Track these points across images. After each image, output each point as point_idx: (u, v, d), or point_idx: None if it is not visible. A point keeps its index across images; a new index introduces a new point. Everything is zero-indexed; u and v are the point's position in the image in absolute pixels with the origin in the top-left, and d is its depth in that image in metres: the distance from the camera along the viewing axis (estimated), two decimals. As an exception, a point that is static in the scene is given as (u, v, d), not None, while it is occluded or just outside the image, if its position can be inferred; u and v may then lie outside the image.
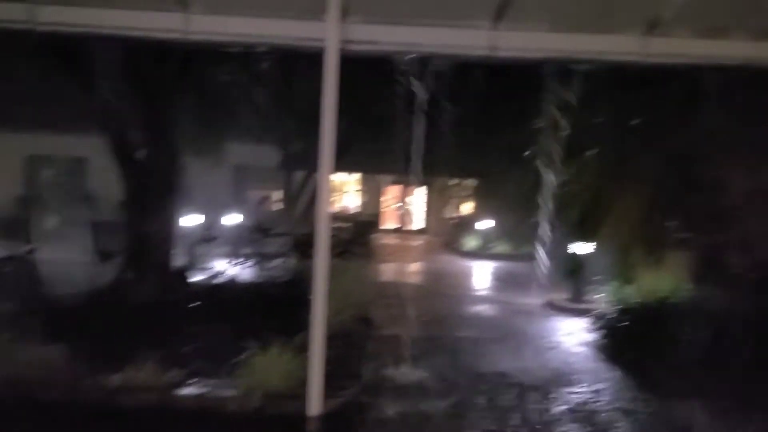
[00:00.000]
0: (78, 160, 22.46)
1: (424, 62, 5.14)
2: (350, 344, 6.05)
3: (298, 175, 19.56)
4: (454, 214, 24.46)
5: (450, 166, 15.11)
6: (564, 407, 4.98)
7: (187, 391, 4.62)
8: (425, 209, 26.23)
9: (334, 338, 5.59)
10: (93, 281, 6.69)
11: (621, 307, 6.87)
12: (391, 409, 4.60)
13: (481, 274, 13.97)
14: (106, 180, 20.39)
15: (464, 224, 20.58)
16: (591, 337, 7.23)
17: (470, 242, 18.13)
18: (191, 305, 7.05)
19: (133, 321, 5.96)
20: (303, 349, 4.76)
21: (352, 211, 25.53)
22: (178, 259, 7.91)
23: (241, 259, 9.79)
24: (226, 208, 15.29)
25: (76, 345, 4.90)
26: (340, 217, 19.98)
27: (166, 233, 7.32)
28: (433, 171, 16.36)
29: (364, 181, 26.14)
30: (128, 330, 5.65)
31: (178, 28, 4.58)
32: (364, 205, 26.62)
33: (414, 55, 4.77)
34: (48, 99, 16.27)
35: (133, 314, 6.14)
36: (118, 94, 8.54)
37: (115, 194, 19.64)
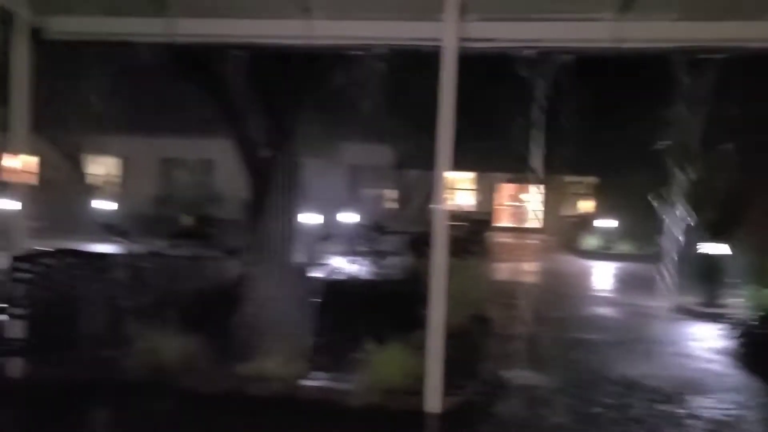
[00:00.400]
0: (206, 162, 23.96)
1: (543, 57, 5.03)
2: (467, 343, 6.02)
3: (413, 174, 19.74)
4: (573, 213, 23.63)
5: (569, 162, 14.66)
6: (699, 419, 4.68)
7: (310, 382, 4.80)
8: (542, 207, 25.56)
9: (451, 337, 5.59)
10: (222, 276, 7.10)
11: (762, 313, 6.36)
12: (510, 411, 4.54)
13: (603, 275, 13.42)
14: (231, 180, 21.59)
15: (583, 223, 19.87)
16: (727, 344, 6.75)
17: (590, 241, 17.48)
18: (311, 301, 7.32)
19: (259, 314, 6.29)
20: (421, 346, 4.80)
21: (466, 210, 25.36)
22: (299, 256, 8.24)
23: (358, 257, 10.03)
24: (343, 206, 15.70)
25: (209, 336, 5.21)
26: (455, 215, 19.91)
27: (288, 231, 7.63)
28: (551, 168, 15.96)
29: (479, 179, 25.87)
30: (255, 323, 5.98)
31: (300, 33, 4.76)
32: (479, 203, 26.38)
33: (533, 51, 4.67)
34: (180, 106, 17.45)
35: (259, 308, 6.48)
36: (243, 99, 9.01)
37: (240, 193, 20.68)
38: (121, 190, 23.67)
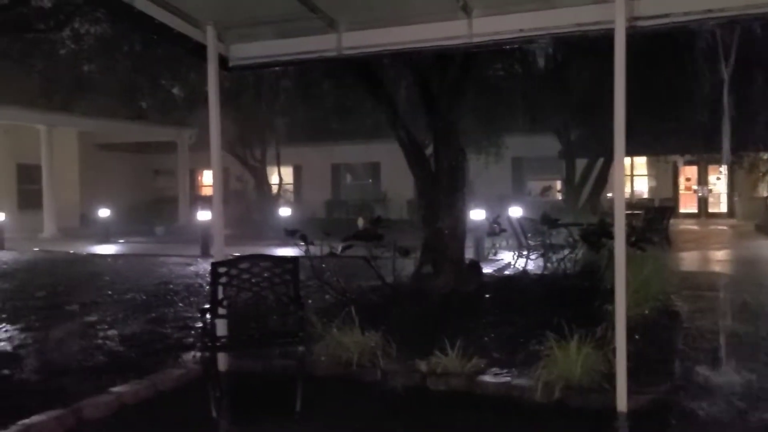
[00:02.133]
0: (373, 165, 24.85)
1: (724, 29, 4.61)
2: (653, 338, 5.70)
3: (580, 163, 18.95)
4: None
5: (763, 139, 13.24)
6: None
7: (488, 378, 4.83)
8: (731, 190, 23.30)
9: (634, 331, 5.33)
10: (396, 274, 7.35)
11: None
12: (706, 411, 4.22)
13: (809, 262, 11.94)
14: (397, 181, 22.25)
15: (780, 204, 17.84)
16: None
17: (790, 225, 15.63)
18: (485, 296, 7.35)
19: (435, 311, 6.45)
20: (603, 341, 4.63)
21: (645, 197, 23.79)
22: (470, 252, 8.31)
23: (528, 251, 9.87)
24: (509, 200, 15.53)
25: (388, 332, 5.42)
26: (632, 203, 18.78)
27: (457, 228, 7.72)
28: (739, 146, 14.50)
29: (657, 163, 24.11)
30: (431, 319, 6.14)
31: (461, 33, 4.81)
32: (657, 189, 24.63)
33: (713, 23, 4.29)
34: (348, 114, 18.29)
35: (434, 305, 6.64)
36: (406, 102, 9.27)
37: (407, 194, 21.21)
38: (297, 197, 25.35)
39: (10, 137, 21.33)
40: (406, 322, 5.92)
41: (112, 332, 6.84)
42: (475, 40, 4.80)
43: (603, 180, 18.45)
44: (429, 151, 8.36)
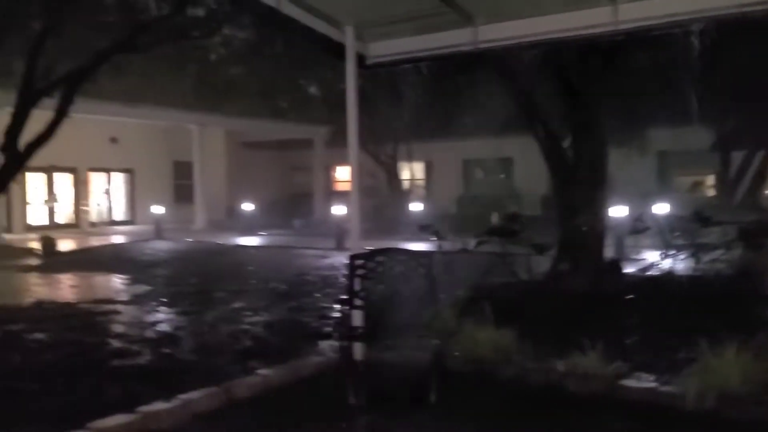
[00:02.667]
0: (506, 160, 24.41)
1: None
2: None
3: (735, 156, 17.46)
4: None
5: None
6: None
7: (632, 383, 4.59)
8: None
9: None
10: (531, 272, 7.19)
11: None
12: None
13: None
14: (531, 177, 21.70)
15: None
16: None
17: None
18: (627, 297, 6.98)
19: (572, 310, 6.23)
20: (763, 350, 4.25)
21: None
22: (610, 251, 7.93)
23: (675, 251, 9.23)
24: (654, 196, 14.63)
25: (522, 330, 5.32)
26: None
27: (597, 224, 7.40)
28: None
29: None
30: (567, 319, 5.94)
31: (606, 21, 4.59)
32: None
33: None
34: (479, 109, 18.09)
35: (571, 304, 6.41)
36: (542, 94, 9.00)
37: (541, 189, 20.63)
38: (428, 192, 25.50)
39: (168, 137, 23.31)
40: (542, 321, 5.78)
41: (256, 318, 7.28)
42: (622, 27, 4.56)
43: (763, 175, 16.88)
44: (566, 144, 8.07)
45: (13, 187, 14.40)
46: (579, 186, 7.34)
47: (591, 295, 6.70)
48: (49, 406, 4.31)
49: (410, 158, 23.01)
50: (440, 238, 6.96)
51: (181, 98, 17.50)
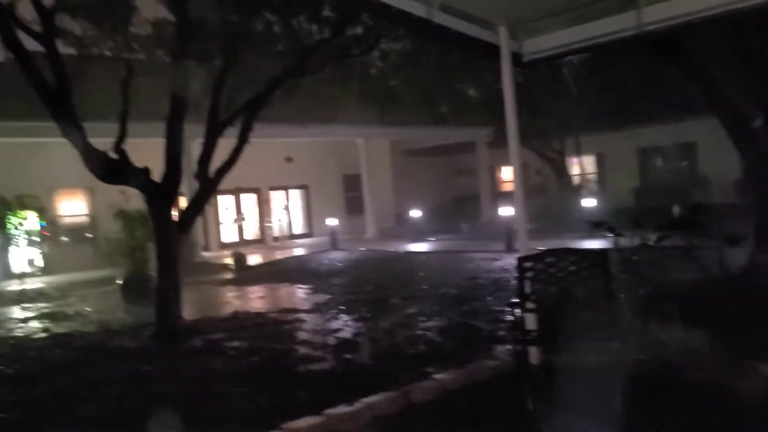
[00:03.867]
0: (687, 146, 22.51)
1: None
2: None
3: None
4: None
5: None
6: None
7: None
8: None
9: None
10: (724, 266, 6.56)
11: None
12: None
13: None
14: (717, 162, 19.79)
15: None
16: None
17: None
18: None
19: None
20: None
21: None
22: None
23: None
24: None
25: (716, 330, 4.89)
26: None
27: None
28: None
29: None
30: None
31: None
32: None
33: None
34: (652, 94, 16.91)
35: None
36: (726, 73, 8.20)
37: (729, 175, 18.75)
38: (600, 186, 24.25)
39: (336, 152, 24.56)
40: (738, 320, 5.25)
41: (430, 323, 7.41)
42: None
43: None
44: (757, 124, 7.26)
45: (208, 209, 16.00)
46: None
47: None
48: (246, 407, 4.74)
49: (579, 152, 22.06)
50: (616, 234, 6.59)
51: (347, 114, 18.36)
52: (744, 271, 6.68)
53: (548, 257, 4.98)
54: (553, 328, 5.16)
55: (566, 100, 19.68)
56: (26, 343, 8.09)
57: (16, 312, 11.13)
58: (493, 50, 5.59)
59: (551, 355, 5.49)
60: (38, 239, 15.15)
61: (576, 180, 22.91)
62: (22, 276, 13.12)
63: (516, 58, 5.75)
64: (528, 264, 5.02)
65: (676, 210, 8.44)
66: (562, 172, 22.34)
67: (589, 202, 18.52)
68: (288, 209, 24.00)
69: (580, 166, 22.55)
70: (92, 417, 4.78)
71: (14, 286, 14.31)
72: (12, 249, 13.84)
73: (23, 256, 14.24)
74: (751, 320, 5.25)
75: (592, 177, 24.49)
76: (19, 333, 8.95)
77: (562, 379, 5.14)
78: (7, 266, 17.09)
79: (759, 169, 6.93)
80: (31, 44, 7.47)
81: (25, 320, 10.10)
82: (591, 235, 12.91)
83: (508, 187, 26.62)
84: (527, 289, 4.99)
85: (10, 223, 12.30)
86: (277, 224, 22.86)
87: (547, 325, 5.19)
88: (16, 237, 12.50)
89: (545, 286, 5.00)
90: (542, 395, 4.76)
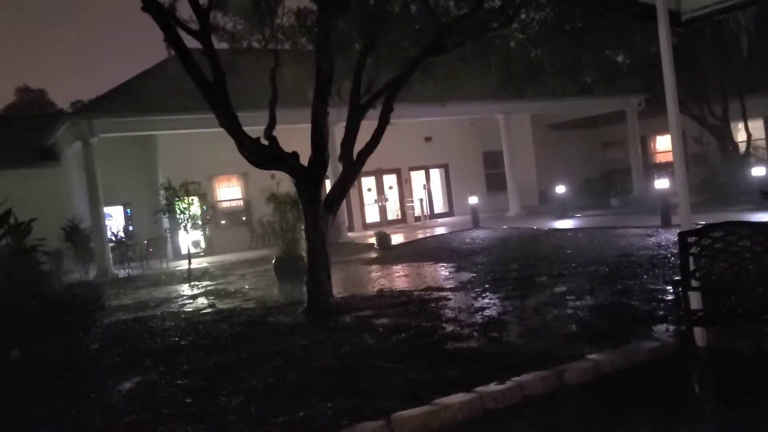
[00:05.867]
0: None
1: None
2: None
3: None
4: None
5: None
6: None
7: None
8: None
9: None
10: None
11: None
12: None
13: None
14: None
15: None
16: None
17: None
18: None
19: None
20: None
21: None
22: None
23: None
24: None
25: None
26: None
27: None
28: None
29: None
30: None
31: None
32: None
33: None
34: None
35: None
36: None
37: None
38: (771, 153, 21.89)
39: (476, 129, 24.25)
40: None
41: (580, 302, 7.12)
42: None
43: None
44: None
45: (352, 191, 16.49)
46: None
47: None
48: (397, 383, 4.83)
49: (745, 116, 19.99)
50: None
51: (486, 90, 18.01)
52: None
53: (716, 231, 4.58)
54: (722, 308, 4.75)
55: (729, 61, 17.92)
56: (195, 317, 8.83)
57: (185, 289, 12.20)
58: (647, 10, 5.18)
59: (720, 337, 5.07)
60: (201, 222, 16.45)
61: (742, 147, 20.83)
62: (188, 256, 14.34)
63: (674, 17, 5.30)
64: (692, 239, 4.64)
65: None
66: (726, 140, 20.43)
67: (758, 171, 16.77)
68: (428, 188, 24.13)
69: (747, 132, 20.44)
70: (258, 386, 5.11)
71: (182, 266, 15.71)
72: (180, 232, 15.15)
73: (189, 238, 15.56)
74: None
75: (762, 143, 22.12)
76: (189, 309, 9.79)
77: (732, 364, 4.73)
78: (177, 248, 18.83)
79: None
80: (189, 41, 8.05)
81: (194, 297, 11.05)
82: (762, 207, 11.72)
83: (662, 157, 24.85)
84: (692, 265, 4.62)
85: (177, 208, 13.45)
86: (418, 204, 23.07)
87: (716, 305, 4.79)
88: (183, 221, 13.67)
89: (712, 262, 4.61)
90: (710, 380, 4.40)
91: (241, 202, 21.09)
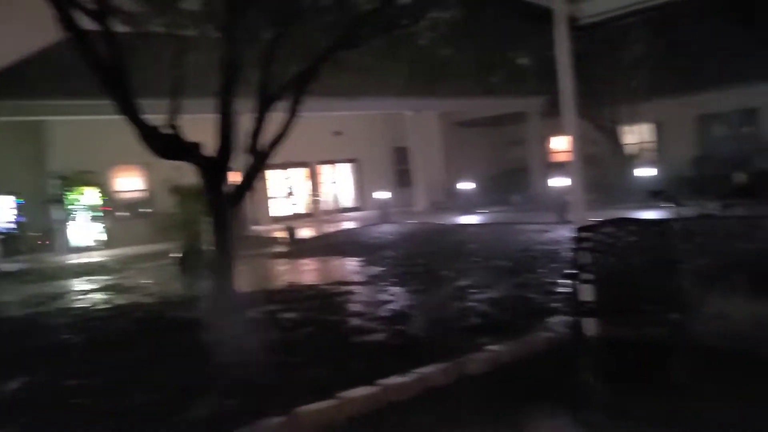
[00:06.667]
0: (749, 112, 21.53)
1: None
2: None
3: None
4: None
5: None
6: None
7: None
8: None
9: None
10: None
11: None
12: None
13: None
14: (784, 128, 18.80)
15: None
16: None
17: None
18: None
19: None
20: None
21: None
22: None
23: None
24: None
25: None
26: None
27: None
28: None
29: None
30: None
31: None
32: None
33: None
34: (712, 57, 16.16)
35: None
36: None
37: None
38: (658, 155, 23.46)
39: (386, 125, 24.46)
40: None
41: (482, 295, 7.35)
42: None
43: None
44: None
45: (259, 183, 16.19)
46: None
47: None
48: (303, 377, 4.80)
49: (636, 120, 21.32)
50: (675, 203, 6.36)
51: (396, 86, 18.21)
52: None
53: (606, 227, 4.85)
54: (611, 300, 5.04)
55: (622, 66, 19.01)
56: (89, 314, 8.40)
57: (80, 284, 11.58)
58: (546, 14, 5.41)
59: (608, 326, 5.38)
60: (99, 214, 15.65)
61: (632, 149, 22.21)
62: (84, 250, 13.60)
63: (572, 21, 5.55)
64: (585, 234, 4.90)
65: (740, 177, 8.07)
66: (617, 142, 21.69)
67: (646, 172, 17.95)
68: (337, 183, 24.11)
69: (637, 135, 21.82)
70: (155, 384, 4.93)
71: (77, 259, 14.89)
72: (71, 224, 14.33)
73: (85, 230, 14.74)
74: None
75: (649, 146, 23.68)
76: (82, 305, 9.30)
77: (619, 352, 5.04)
78: (72, 241, 17.81)
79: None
80: (86, 23, 7.60)
81: (89, 292, 10.50)
82: (648, 206, 12.53)
83: (560, 157, 26.06)
84: (584, 260, 4.88)
85: (68, 199, 12.69)
86: (327, 198, 23.01)
87: (605, 297, 5.08)
88: (75, 212, 12.90)
89: (603, 256, 4.89)
90: (600, 367, 4.67)
91: (142, 194, 20.24)
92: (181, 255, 11.43)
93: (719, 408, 3.85)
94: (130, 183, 20.20)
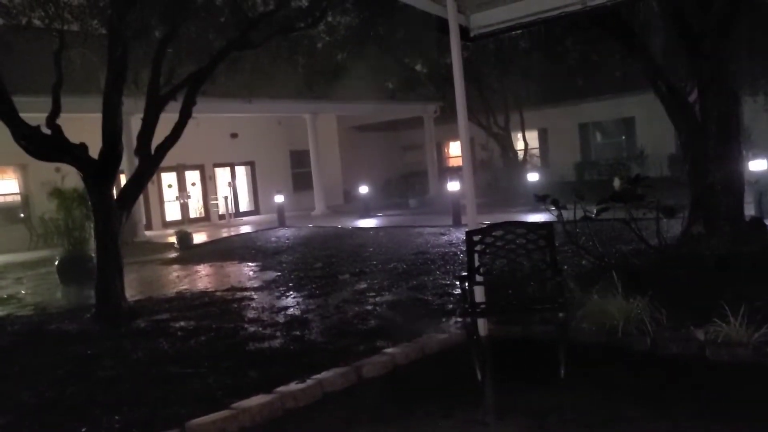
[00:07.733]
0: (626, 121, 23.14)
1: None
2: None
3: None
4: None
5: None
6: None
7: (784, 351, 4.24)
8: None
9: None
10: (661, 236, 6.77)
11: None
12: None
13: None
14: (655, 136, 20.44)
15: None
16: None
17: None
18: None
19: (708, 275, 5.83)
20: None
21: None
22: (750, 209, 7.33)
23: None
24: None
25: (655, 299, 5.06)
26: None
27: (733, 181, 6.85)
28: None
29: None
30: (704, 284, 5.56)
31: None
32: None
33: None
34: (593, 69, 17.21)
35: (707, 268, 6.00)
36: (663, 48, 8.40)
37: (667, 149, 19.37)
38: (544, 161, 24.72)
39: (284, 128, 24.18)
40: (675, 287, 5.46)
41: (379, 299, 7.43)
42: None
43: None
44: (692, 98, 7.52)
45: (150, 187, 15.52)
46: (709, 142, 6.81)
47: (730, 257, 6.23)
48: (195, 388, 4.65)
49: (523, 127, 22.40)
50: (559, 207, 6.72)
51: (294, 89, 18.05)
52: (679, 240, 6.93)
53: (496, 231, 5.04)
54: (501, 300, 5.25)
55: (511, 76, 19.86)
56: (-42, 328, 7.71)
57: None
58: (441, 24, 5.56)
59: (498, 326, 5.60)
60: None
61: (520, 155, 23.28)
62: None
63: (464, 32, 5.74)
64: (476, 237, 5.07)
65: (617, 183, 8.66)
66: (507, 147, 22.64)
67: (533, 177, 18.87)
68: (233, 186, 23.56)
69: (525, 141, 22.91)
70: (32, 402, 4.60)
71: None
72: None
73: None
74: (686, 288, 5.46)
75: (536, 152, 24.93)
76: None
77: (509, 350, 5.26)
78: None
79: (693, 143, 7.17)
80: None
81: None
82: (535, 209, 13.14)
83: (454, 162, 26.84)
84: (476, 262, 5.05)
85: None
86: (223, 202, 22.43)
87: (496, 298, 5.28)
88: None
89: (493, 259, 5.07)
90: (490, 366, 4.85)
91: (17, 197, 18.83)
92: (62, 262, 10.75)
93: (595, 399, 4.10)
94: (3, 186, 18.77)
